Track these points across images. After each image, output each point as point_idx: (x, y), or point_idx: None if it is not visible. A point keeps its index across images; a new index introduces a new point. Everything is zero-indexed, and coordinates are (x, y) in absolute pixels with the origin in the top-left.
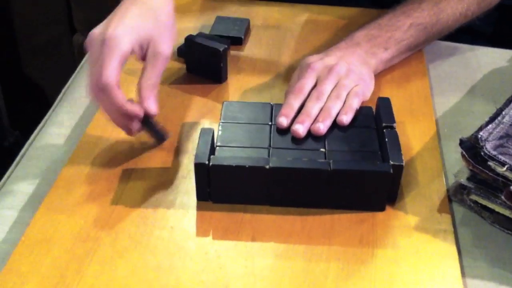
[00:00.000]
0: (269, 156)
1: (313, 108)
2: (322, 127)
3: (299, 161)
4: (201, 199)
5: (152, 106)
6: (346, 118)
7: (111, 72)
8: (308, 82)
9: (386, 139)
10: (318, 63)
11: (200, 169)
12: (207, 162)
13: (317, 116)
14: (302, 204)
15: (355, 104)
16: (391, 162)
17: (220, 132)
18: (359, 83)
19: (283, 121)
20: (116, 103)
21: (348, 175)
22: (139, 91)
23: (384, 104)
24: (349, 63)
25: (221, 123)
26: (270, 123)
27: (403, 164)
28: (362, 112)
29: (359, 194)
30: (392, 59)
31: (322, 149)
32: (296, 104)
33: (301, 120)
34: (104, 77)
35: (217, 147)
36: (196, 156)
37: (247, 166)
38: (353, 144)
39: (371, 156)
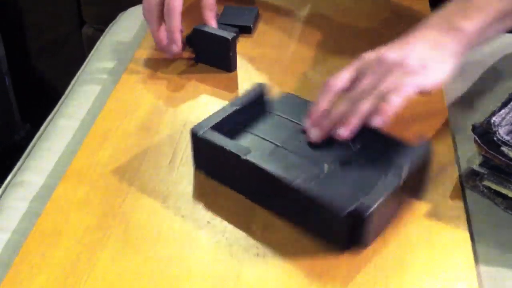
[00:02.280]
0: (269, 153)
1: (339, 109)
2: (343, 132)
3: (272, 164)
4: (196, 167)
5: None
6: (377, 120)
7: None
8: (343, 76)
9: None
10: (371, 53)
11: (192, 137)
12: (200, 133)
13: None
14: (268, 207)
15: (394, 102)
16: (356, 205)
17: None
18: (413, 74)
19: (306, 122)
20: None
21: (305, 198)
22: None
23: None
24: (410, 51)
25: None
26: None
27: (368, 213)
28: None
29: (318, 222)
30: (482, 30)
31: (326, 166)
32: (322, 103)
33: (319, 122)
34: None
35: (242, 132)
36: (197, 125)
37: (226, 149)
38: (368, 170)
39: (370, 191)
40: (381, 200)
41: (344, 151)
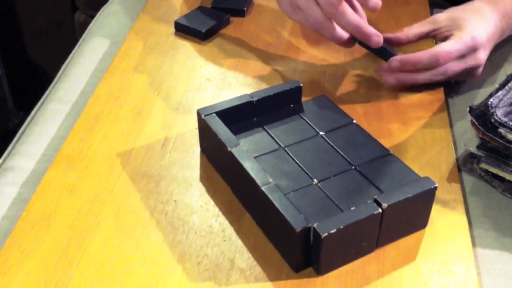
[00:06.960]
0: (265, 152)
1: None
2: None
3: (253, 163)
4: (201, 150)
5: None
6: None
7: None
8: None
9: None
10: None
11: (198, 119)
12: (203, 115)
13: None
14: (241, 201)
15: None
16: (316, 225)
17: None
18: None
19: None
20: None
21: (267, 204)
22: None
23: None
24: None
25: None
26: (320, 133)
27: (325, 235)
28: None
29: (277, 235)
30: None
31: (315, 180)
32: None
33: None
34: None
35: (257, 126)
36: (204, 107)
37: (218, 136)
38: (356, 193)
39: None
40: (346, 224)
41: (345, 169)
